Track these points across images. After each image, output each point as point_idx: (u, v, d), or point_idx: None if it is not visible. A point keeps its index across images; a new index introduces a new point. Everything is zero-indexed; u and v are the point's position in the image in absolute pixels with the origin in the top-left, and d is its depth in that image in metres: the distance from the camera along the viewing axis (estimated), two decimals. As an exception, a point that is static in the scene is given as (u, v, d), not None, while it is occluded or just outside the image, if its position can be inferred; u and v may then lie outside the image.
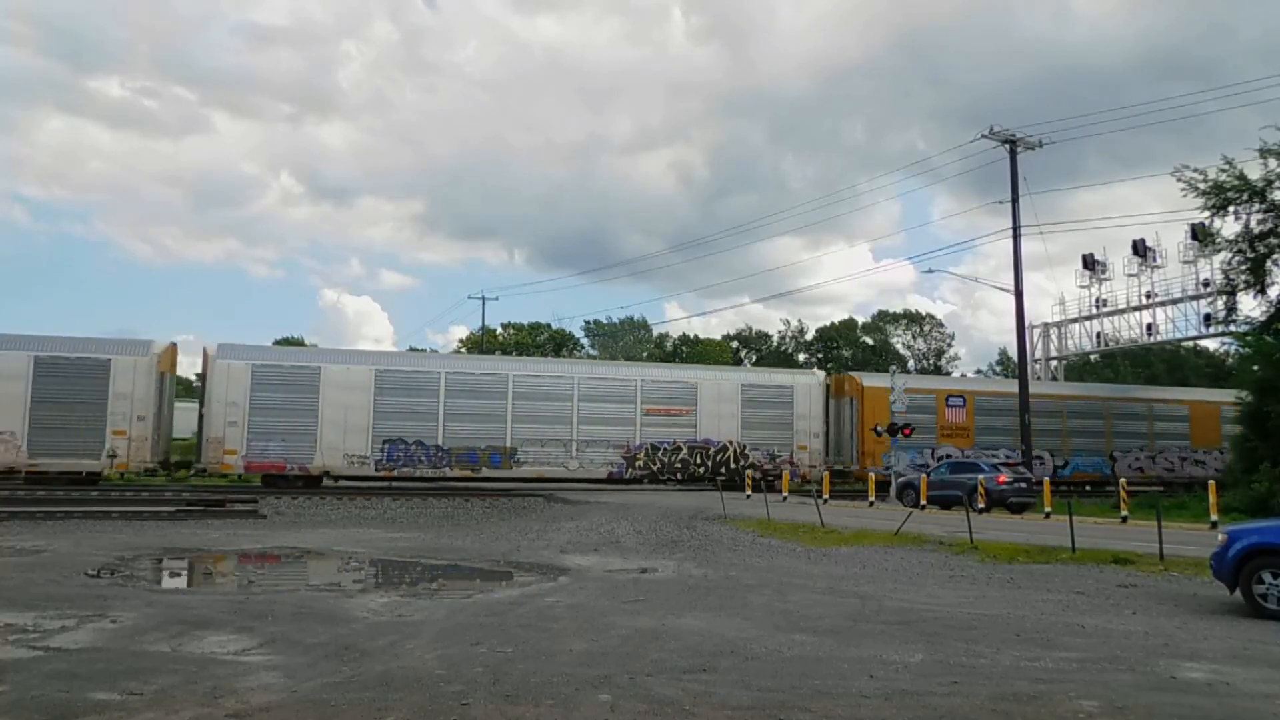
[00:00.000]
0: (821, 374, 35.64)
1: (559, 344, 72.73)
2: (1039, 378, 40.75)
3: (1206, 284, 34.94)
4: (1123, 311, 39.97)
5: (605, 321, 77.04)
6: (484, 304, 64.23)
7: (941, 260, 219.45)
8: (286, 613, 9.16)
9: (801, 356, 78.85)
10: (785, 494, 27.22)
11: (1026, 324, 33.92)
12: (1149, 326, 39.05)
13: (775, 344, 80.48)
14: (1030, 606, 10.23)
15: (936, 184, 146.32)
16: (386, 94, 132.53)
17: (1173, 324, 38.23)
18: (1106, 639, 8.39)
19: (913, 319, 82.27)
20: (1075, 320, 42.41)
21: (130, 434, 26.61)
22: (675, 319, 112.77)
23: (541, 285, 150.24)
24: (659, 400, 31.47)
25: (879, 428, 31.22)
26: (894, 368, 52.59)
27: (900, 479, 27.87)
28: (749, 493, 26.58)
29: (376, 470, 28.71)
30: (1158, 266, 38.32)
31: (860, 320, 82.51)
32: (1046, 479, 24.61)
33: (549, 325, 73.84)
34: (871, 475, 28.36)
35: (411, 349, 62.26)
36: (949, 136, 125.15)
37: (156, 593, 10.93)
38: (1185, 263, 36.45)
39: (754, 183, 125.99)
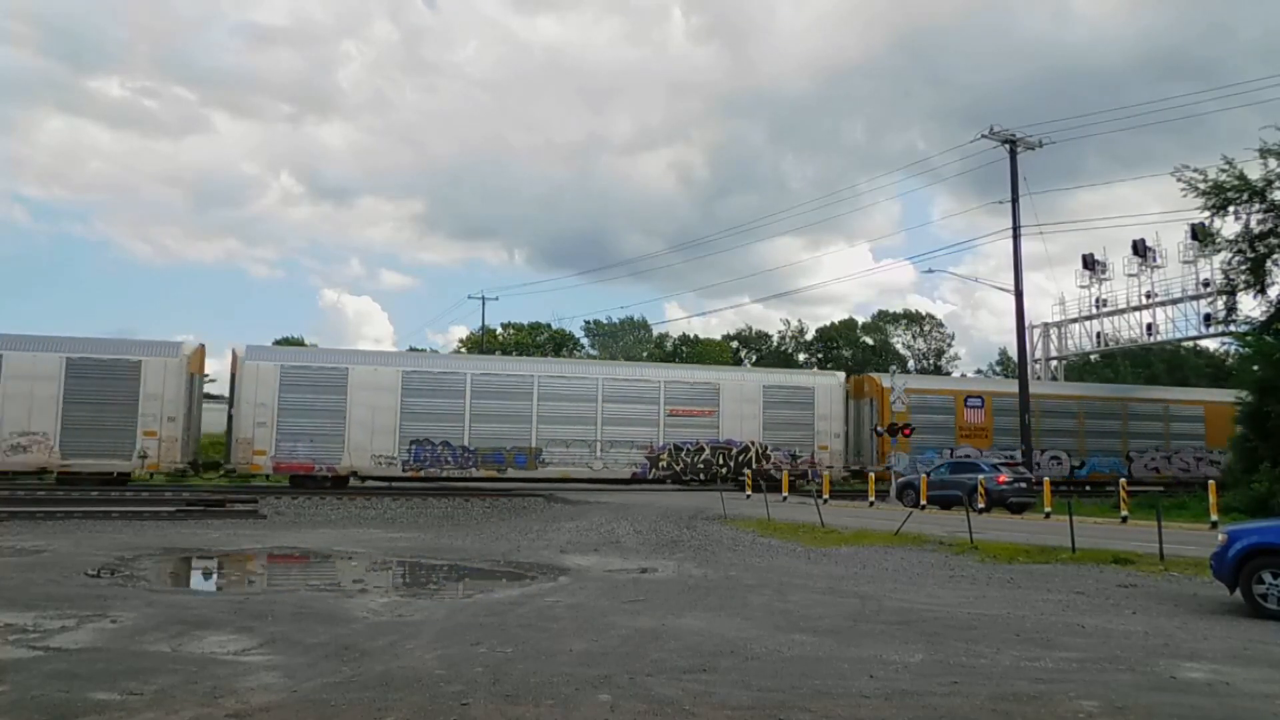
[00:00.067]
0: (841, 375, 35.88)
1: (559, 344, 72.71)
2: (1039, 377, 40.76)
3: (1206, 284, 34.93)
4: (1123, 311, 39.96)
5: (605, 321, 77.09)
6: (484, 304, 64.29)
7: (941, 260, 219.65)
8: (286, 613, 9.16)
9: (801, 356, 78.84)
10: (785, 494, 27.23)
11: (1026, 324, 33.95)
12: (1149, 326, 39.04)
13: (775, 344, 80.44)
14: (1030, 606, 10.23)
15: (936, 184, 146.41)
16: (386, 94, 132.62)
17: (1173, 324, 38.26)
18: (1106, 639, 8.39)
19: (913, 319, 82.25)
20: (1075, 320, 42.40)
21: (161, 434, 26.80)
22: (675, 319, 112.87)
23: (541, 285, 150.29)
24: (682, 401, 31.72)
25: (879, 428, 31.28)
26: (894, 367, 52.66)
27: (900, 479, 27.89)
28: (749, 493, 26.59)
29: (403, 471, 28.91)
30: (1158, 266, 38.32)
31: (860, 320, 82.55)
32: (1046, 478, 24.59)
33: (549, 325, 73.90)
34: (871, 475, 28.41)
35: (411, 349, 62.28)
36: (949, 136, 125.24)
37: (156, 593, 10.93)
38: (1185, 263, 36.45)
39: (754, 183, 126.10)
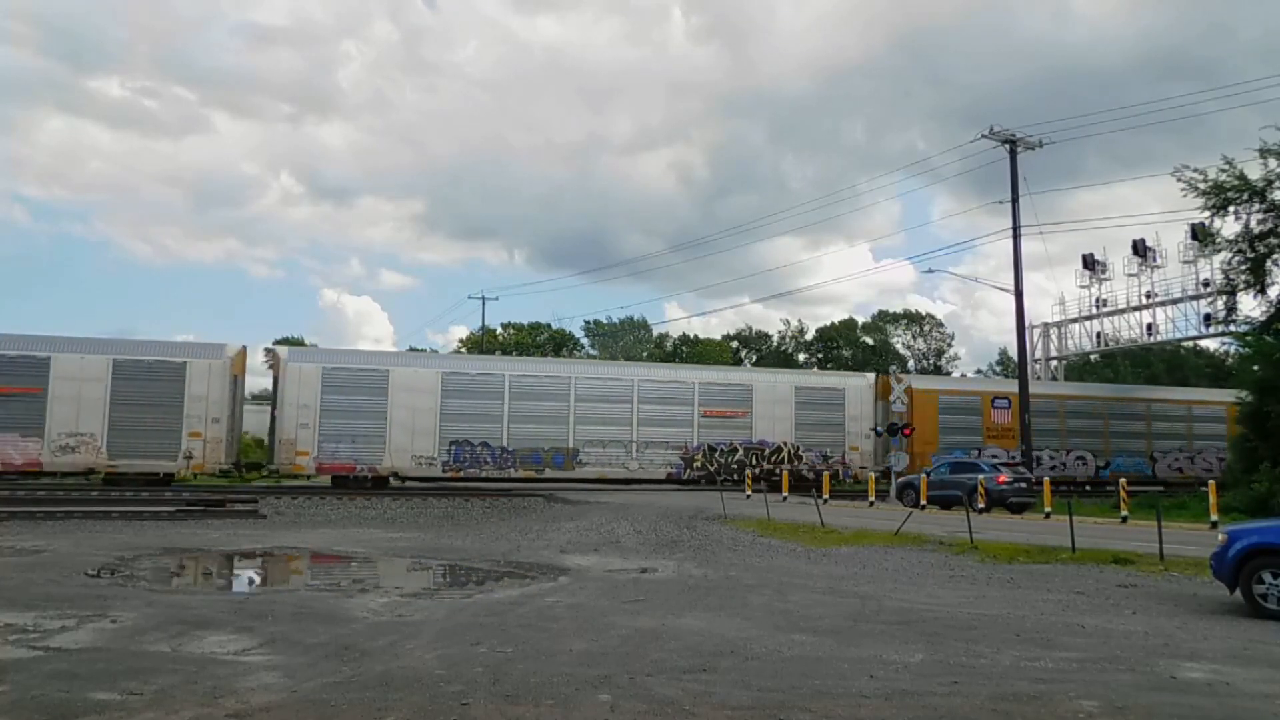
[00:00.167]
0: (871, 376, 36.14)
1: (559, 344, 72.72)
2: (1039, 377, 40.81)
3: (1206, 284, 34.93)
4: (1123, 311, 39.96)
5: (605, 321, 77.09)
6: (484, 304, 64.32)
7: (941, 260, 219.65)
8: (286, 613, 9.16)
9: (801, 356, 78.83)
10: (785, 494, 27.23)
11: (1026, 324, 33.96)
12: (1149, 326, 39.05)
13: (775, 344, 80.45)
14: (1030, 606, 10.23)
15: (936, 184, 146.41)
16: (386, 94, 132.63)
17: (1173, 324, 38.27)
18: (1106, 639, 8.39)
19: (913, 319, 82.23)
20: (1075, 320, 42.40)
21: (205, 435, 27.02)
22: (675, 319, 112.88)
23: (541, 285, 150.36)
24: (716, 402, 31.99)
25: (878, 427, 31.31)
26: (894, 368, 52.68)
27: (900, 479, 27.89)
28: (749, 493, 26.59)
29: (443, 471, 29.14)
30: (1158, 266, 38.33)
31: (860, 320, 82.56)
32: (1046, 480, 24.59)
33: (549, 325, 73.91)
34: (871, 475, 28.42)
35: (411, 349, 62.29)
36: (949, 136, 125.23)
37: (156, 593, 10.92)
38: (1185, 263, 36.46)
39: (754, 183, 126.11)
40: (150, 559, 13.95)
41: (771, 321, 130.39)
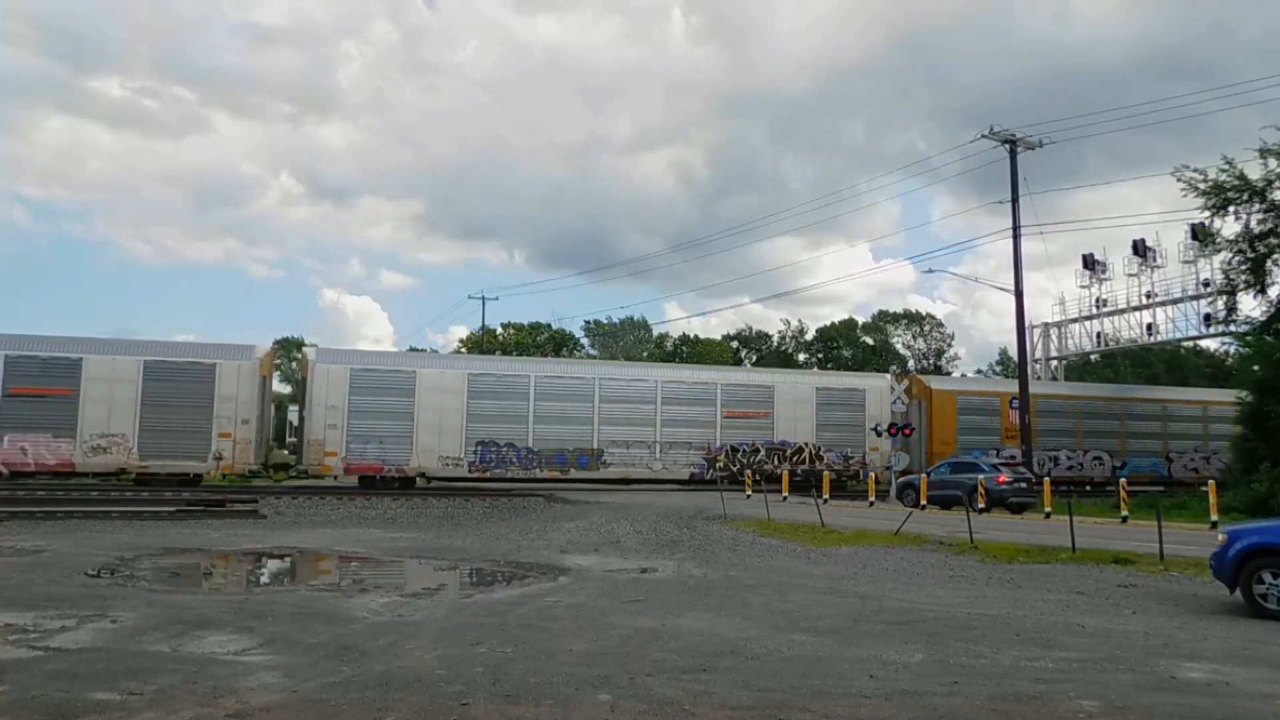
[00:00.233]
0: (889, 377, 36.35)
1: (559, 344, 72.70)
2: (1039, 377, 40.82)
3: (1206, 284, 34.92)
4: (1123, 311, 39.94)
5: (605, 321, 77.10)
6: (484, 304, 64.33)
7: (941, 260, 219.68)
8: (286, 613, 9.16)
9: (801, 356, 78.84)
10: (785, 494, 27.23)
11: (1026, 324, 33.97)
12: (1149, 326, 39.03)
13: (775, 344, 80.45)
14: (1030, 606, 10.23)
15: (936, 184, 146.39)
16: (386, 94, 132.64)
17: (1173, 324, 38.25)
18: (1106, 639, 8.39)
19: (913, 319, 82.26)
20: (1075, 320, 42.38)
21: (235, 436, 27.14)
22: (675, 319, 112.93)
23: (541, 285, 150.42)
24: (738, 403, 32.17)
25: (878, 427, 31.32)
26: (894, 368, 52.72)
27: (900, 479, 27.88)
28: (749, 493, 26.59)
29: (470, 472, 29.28)
30: (1158, 266, 38.30)
31: (860, 320, 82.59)
32: (1045, 480, 24.58)
33: (549, 325, 73.90)
34: (871, 475, 28.43)
35: (411, 349, 62.28)
36: (949, 136, 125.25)
37: (156, 593, 10.91)
38: (1185, 263, 36.43)
39: (754, 183, 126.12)
40: (150, 559, 13.94)
41: (771, 321, 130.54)
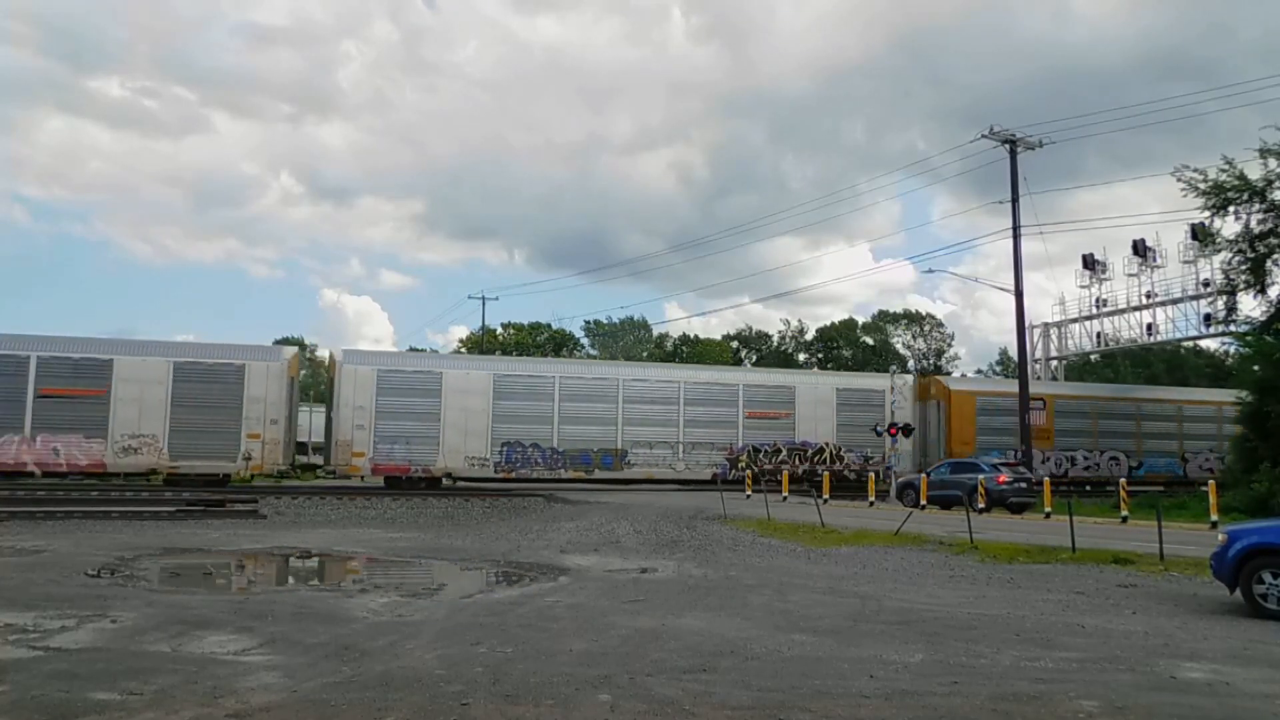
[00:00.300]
0: (910, 378, 36.50)
1: (559, 344, 72.72)
2: (1039, 377, 40.83)
3: (1206, 284, 34.91)
4: (1123, 311, 39.94)
5: (605, 321, 77.12)
6: (484, 304, 64.30)
7: (941, 260, 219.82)
8: (286, 613, 9.16)
9: (801, 356, 78.87)
10: (785, 494, 27.24)
11: (1026, 324, 33.99)
12: (1149, 326, 39.02)
13: (775, 344, 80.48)
14: (1030, 606, 10.23)
15: (936, 184, 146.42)
16: (386, 94, 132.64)
17: (1173, 324, 38.24)
18: (1106, 639, 8.39)
19: (913, 319, 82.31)
20: (1075, 320, 42.37)
21: (264, 437, 27.23)
22: (675, 319, 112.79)
23: (541, 285, 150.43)
24: (759, 404, 32.35)
25: (878, 427, 31.35)
26: (894, 368, 52.74)
27: (900, 479, 27.88)
28: (749, 493, 26.60)
29: (495, 472, 29.43)
30: (1158, 266, 38.29)
31: (860, 320, 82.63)
32: (1046, 481, 24.58)
33: (549, 325, 73.93)
34: (871, 475, 28.45)
35: (411, 349, 62.30)
36: (949, 136, 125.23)
37: (156, 593, 10.92)
38: (1185, 263, 36.42)
39: (754, 183, 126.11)
40: (150, 559, 13.95)
41: (771, 321, 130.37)
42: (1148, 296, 38.43)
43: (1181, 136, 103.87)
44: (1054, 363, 44.28)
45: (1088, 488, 34.17)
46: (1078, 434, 35.60)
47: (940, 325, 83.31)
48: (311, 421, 36.57)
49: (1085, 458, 35.42)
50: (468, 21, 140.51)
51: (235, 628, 8.26)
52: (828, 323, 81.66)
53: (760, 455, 31.80)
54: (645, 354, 71.52)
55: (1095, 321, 41.27)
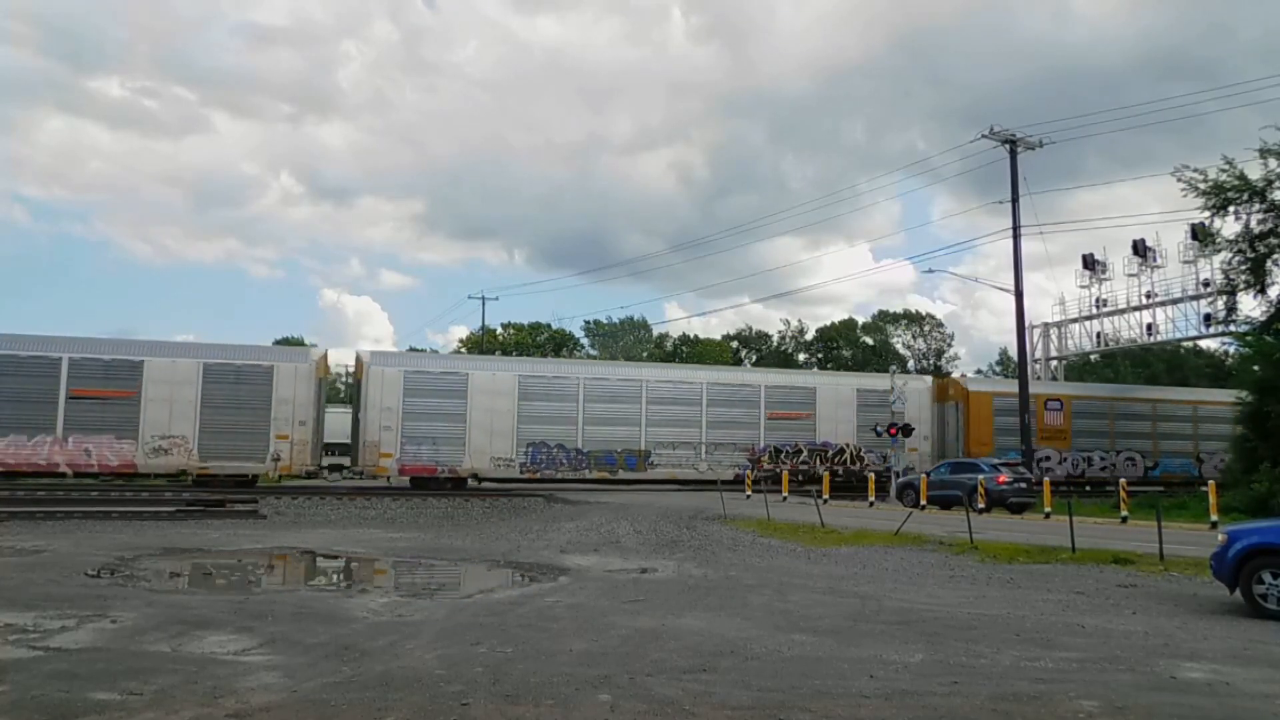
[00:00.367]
0: (929, 379, 36.66)
1: (559, 344, 72.70)
2: (1039, 377, 40.86)
3: (1206, 284, 34.92)
4: (1123, 311, 39.95)
5: (605, 321, 77.10)
6: (484, 304, 64.33)
7: (941, 260, 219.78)
8: (286, 613, 9.16)
9: (801, 356, 78.86)
10: (785, 494, 27.24)
11: (1026, 324, 34.02)
12: (1149, 326, 39.03)
13: (775, 344, 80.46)
14: (1030, 606, 10.23)
15: (936, 184, 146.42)
16: (386, 94, 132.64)
17: (1173, 324, 38.26)
18: (1106, 639, 8.39)
19: (913, 319, 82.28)
20: (1075, 320, 42.39)
21: (293, 438, 27.37)
22: (675, 319, 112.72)
23: (541, 285, 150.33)
24: (780, 405, 32.58)
25: (879, 427, 31.35)
26: (894, 367, 52.72)
27: (900, 479, 27.88)
28: (749, 493, 26.60)
29: (521, 473, 29.61)
30: (1158, 266, 38.30)
31: (860, 320, 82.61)
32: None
33: (549, 325, 73.91)
34: (870, 475, 28.45)
35: (411, 349, 62.29)
36: (949, 136, 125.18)
37: (156, 593, 10.92)
38: (1185, 263, 36.43)
39: (754, 183, 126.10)
40: (150, 559, 13.95)
41: (771, 321, 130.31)
42: (1148, 296, 38.45)
43: (1181, 136, 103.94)
44: (1054, 363, 44.28)
45: (1108, 488, 34.16)
46: (1094, 434, 35.79)
47: (940, 325, 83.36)
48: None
49: (1102, 458, 35.57)
50: (468, 21, 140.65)
51: (235, 628, 8.26)
52: (828, 323, 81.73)
53: (782, 455, 31.98)
54: (645, 354, 71.49)
55: (1095, 321, 41.28)
